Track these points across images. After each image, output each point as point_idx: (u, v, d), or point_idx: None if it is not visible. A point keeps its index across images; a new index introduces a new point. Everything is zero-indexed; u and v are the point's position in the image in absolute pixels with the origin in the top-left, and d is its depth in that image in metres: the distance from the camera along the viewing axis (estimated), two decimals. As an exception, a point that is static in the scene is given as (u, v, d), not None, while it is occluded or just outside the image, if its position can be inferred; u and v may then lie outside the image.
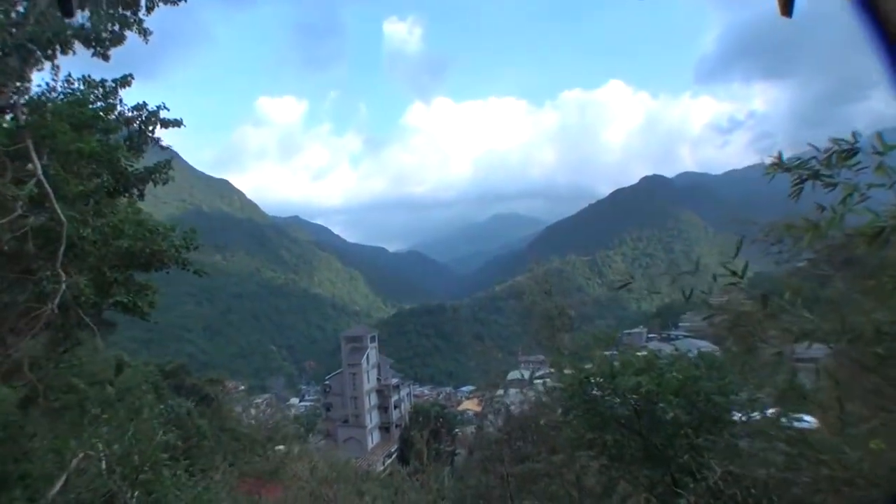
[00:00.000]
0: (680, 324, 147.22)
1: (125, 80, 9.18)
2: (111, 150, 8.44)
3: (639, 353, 6.67)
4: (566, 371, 10.88)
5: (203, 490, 8.63)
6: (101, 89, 8.91)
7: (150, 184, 10.20)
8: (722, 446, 5.67)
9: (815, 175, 3.83)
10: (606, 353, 7.55)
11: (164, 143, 10.23)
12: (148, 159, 10.21)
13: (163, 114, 9.67)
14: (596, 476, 9.10)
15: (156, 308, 9.73)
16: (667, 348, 6.93)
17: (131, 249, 7.85)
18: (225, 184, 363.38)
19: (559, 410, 9.25)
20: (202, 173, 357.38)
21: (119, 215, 8.12)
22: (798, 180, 3.91)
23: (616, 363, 6.32)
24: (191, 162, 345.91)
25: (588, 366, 6.95)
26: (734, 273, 4.34)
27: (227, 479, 11.19)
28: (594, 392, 6.73)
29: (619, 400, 6.25)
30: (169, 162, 10.10)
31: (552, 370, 11.23)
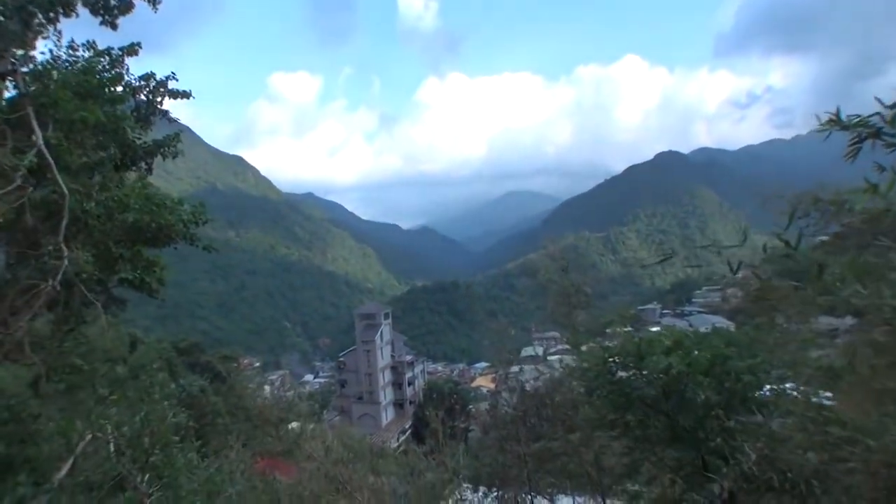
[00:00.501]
0: (693, 300, 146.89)
1: (132, 49, 8.81)
2: (117, 120, 8.13)
3: (666, 332, 6.38)
4: (586, 349, 10.65)
5: (215, 472, 8.46)
6: (107, 57, 8.57)
7: (160, 158, 9.90)
8: (753, 428, 5.38)
9: (877, 134, 3.46)
10: (629, 330, 7.26)
11: (173, 116, 9.87)
12: (157, 132, 9.90)
13: (171, 84, 9.32)
14: (617, 456, 8.89)
15: (165, 285, 9.47)
16: (680, 324, 6.65)
17: (137, 224, 7.57)
18: (239, 160, 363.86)
19: (580, 390, 9.02)
20: (216, 149, 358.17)
21: (125, 189, 7.83)
22: (857, 139, 3.54)
23: (641, 342, 6.02)
24: (204, 138, 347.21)
25: (611, 344, 6.67)
26: (787, 244, 3.98)
27: (242, 458, 11.03)
28: (619, 372, 6.47)
29: (645, 380, 5.96)
30: (178, 135, 9.77)
31: (570, 348, 10.97)
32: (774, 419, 5.47)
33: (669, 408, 6.02)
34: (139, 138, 9.17)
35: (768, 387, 5.96)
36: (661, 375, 5.57)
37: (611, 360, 6.49)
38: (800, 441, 4.97)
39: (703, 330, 7.49)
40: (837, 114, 3.56)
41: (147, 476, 6.53)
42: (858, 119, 3.50)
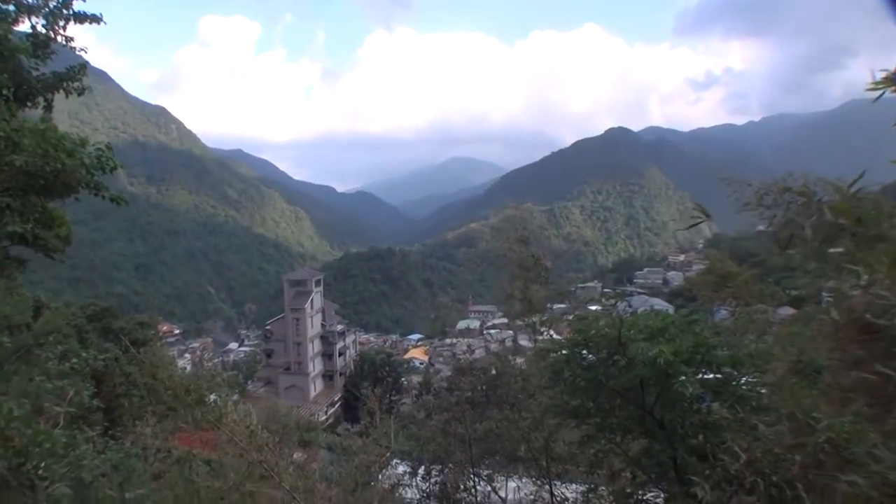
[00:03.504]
0: (635, 280, 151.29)
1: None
2: (5, 43, 7.08)
3: (650, 315, 6.08)
4: (554, 330, 10.36)
5: (125, 457, 7.77)
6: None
7: (63, 95, 8.82)
8: (736, 425, 5.12)
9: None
10: (602, 310, 6.95)
11: (79, 45, 8.71)
12: (60, 65, 8.76)
13: (76, 5, 8.17)
14: (572, 445, 8.68)
15: (71, 243, 8.53)
16: (619, 306, 6.44)
17: (28, 168, 6.57)
18: (162, 112, 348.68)
19: (534, 371, 8.75)
20: (137, 99, 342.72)
21: (14, 124, 6.76)
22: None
23: (622, 326, 5.68)
24: (124, 86, 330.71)
25: (583, 326, 6.32)
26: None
27: (160, 433, 10.32)
28: (590, 357, 6.14)
29: (624, 368, 5.63)
30: (83, 67, 8.68)
31: (527, 326, 10.70)
32: (755, 416, 5.21)
33: (648, 399, 5.73)
34: (36, 68, 8.09)
35: (744, 380, 5.75)
36: (644, 364, 5.23)
37: (585, 343, 6.12)
38: (788, 442, 4.72)
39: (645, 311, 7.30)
40: None
41: (42, 463, 5.85)
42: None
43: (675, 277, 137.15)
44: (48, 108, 8.41)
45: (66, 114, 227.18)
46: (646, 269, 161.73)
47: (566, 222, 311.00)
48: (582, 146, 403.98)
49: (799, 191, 4.09)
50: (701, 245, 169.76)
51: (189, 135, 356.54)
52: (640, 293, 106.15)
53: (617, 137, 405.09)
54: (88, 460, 7.11)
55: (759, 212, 4.82)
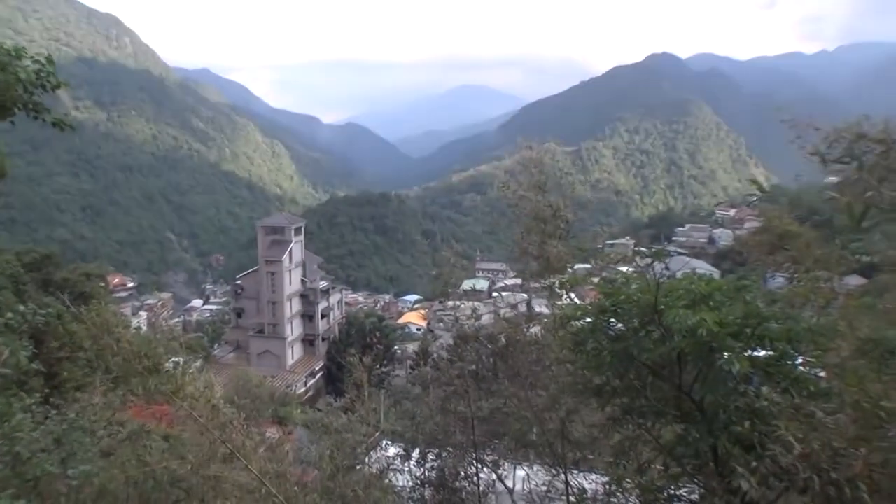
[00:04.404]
0: (675, 237, 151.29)
1: None
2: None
3: (692, 278, 6.03)
4: (569, 295, 10.36)
5: (68, 429, 7.88)
6: None
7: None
8: (791, 412, 5.13)
9: None
10: (631, 270, 6.91)
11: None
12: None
13: None
14: (593, 428, 8.77)
15: (3, 177, 8.47)
16: (656, 267, 6.37)
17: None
18: (114, 22, 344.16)
19: (558, 346, 8.76)
20: (82, 5, 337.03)
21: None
22: None
23: (658, 290, 5.64)
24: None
25: (611, 289, 6.29)
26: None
27: (110, 401, 10.50)
28: (618, 326, 6.13)
29: (659, 340, 5.62)
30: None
31: (548, 292, 10.69)
32: (813, 403, 5.23)
33: (685, 378, 5.74)
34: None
35: (801, 359, 5.75)
36: (683, 336, 5.21)
37: (614, 309, 6.11)
38: (851, 434, 4.74)
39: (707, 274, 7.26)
40: None
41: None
42: None
43: (723, 236, 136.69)
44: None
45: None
46: (688, 226, 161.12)
47: (595, 166, 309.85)
48: (617, 75, 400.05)
49: (877, 138, 4.02)
50: (755, 198, 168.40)
51: (146, 50, 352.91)
52: (680, 253, 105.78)
53: (660, 66, 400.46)
54: (25, 432, 7.23)
55: (827, 162, 4.78)
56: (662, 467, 6.55)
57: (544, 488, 10.28)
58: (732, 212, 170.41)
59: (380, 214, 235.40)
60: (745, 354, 5.27)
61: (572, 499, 8.98)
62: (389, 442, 12.48)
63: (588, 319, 6.56)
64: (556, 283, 10.07)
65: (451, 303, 13.10)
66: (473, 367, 11.52)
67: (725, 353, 5.15)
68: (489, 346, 11.78)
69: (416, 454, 11.53)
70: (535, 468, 11.07)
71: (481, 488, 10.91)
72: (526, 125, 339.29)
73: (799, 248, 7.24)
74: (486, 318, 13.99)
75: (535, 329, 11.57)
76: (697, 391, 5.71)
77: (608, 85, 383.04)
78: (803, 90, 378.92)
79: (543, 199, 10.76)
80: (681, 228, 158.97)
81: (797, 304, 6.77)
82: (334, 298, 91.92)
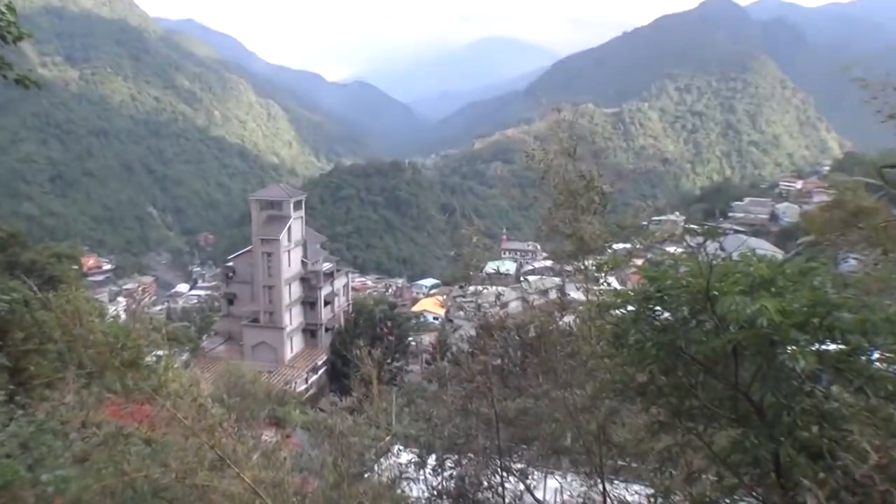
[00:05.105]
0: (731, 213, 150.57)
1: None
2: None
3: (749, 258, 5.96)
4: (607, 280, 10.32)
5: (36, 431, 7.99)
6: None
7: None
8: (865, 416, 5.10)
9: None
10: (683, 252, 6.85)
11: None
12: None
13: None
14: (637, 432, 8.75)
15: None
16: (709, 247, 6.27)
17: None
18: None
19: (596, 338, 8.73)
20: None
21: None
22: None
23: (710, 272, 5.59)
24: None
25: (658, 274, 6.25)
26: None
27: (84, 400, 10.63)
28: (665, 315, 6.09)
29: (711, 332, 5.58)
30: None
31: (583, 276, 10.65)
32: (892, 405, 5.18)
33: (742, 375, 5.71)
34: None
35: (878, 354, 5.69)
36: (741, 327, 5.17)
37: (660, 295, 6.07)
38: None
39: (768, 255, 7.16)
40: None
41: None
42: None
43: (788, 211, 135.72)
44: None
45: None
46: (747, 200, 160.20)
47: (639, 131, 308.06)
48: (665, 25, 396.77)
49: None
50: (826, 168, 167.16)
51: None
52: (737, 231, 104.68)
53: (716, 13, 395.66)
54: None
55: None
56: (715, 477, 6.54)
57: (580, 500, 10.31)
58: (799, 184, 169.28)
59: (391, 186, 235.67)
60: (813, 348, 5.21)
61: (611, 512, 9.00)
62: (402, 447, 12.54)
63: (630, 307, 6.53)
64: (593, 266, 10.03)
65: (472, 288, 13.06)
66: (498, 361, 11.52)
67: (789, 347, 5.09)
68: (517, 338, 11.77)
69: (432, 461, 11.56)
70: (568, 477, 11.10)
71: (507, 500, 10.94)
72: (559, 84, 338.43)
73: (876, 226, 7.16)
74: (514, 306, 13.99)
75: (569, 318, 11.56)
76: (756, 391, 5.67)
77: (655, 37, 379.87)
78: (884, 41, 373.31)
79: (574, 169, 10.71)
80: (738, 203, 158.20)
81: (873, 290, 6.70)
82: (339, 283, 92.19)
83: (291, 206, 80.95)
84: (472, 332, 13.06)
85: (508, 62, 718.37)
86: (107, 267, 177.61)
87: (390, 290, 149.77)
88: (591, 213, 10.60)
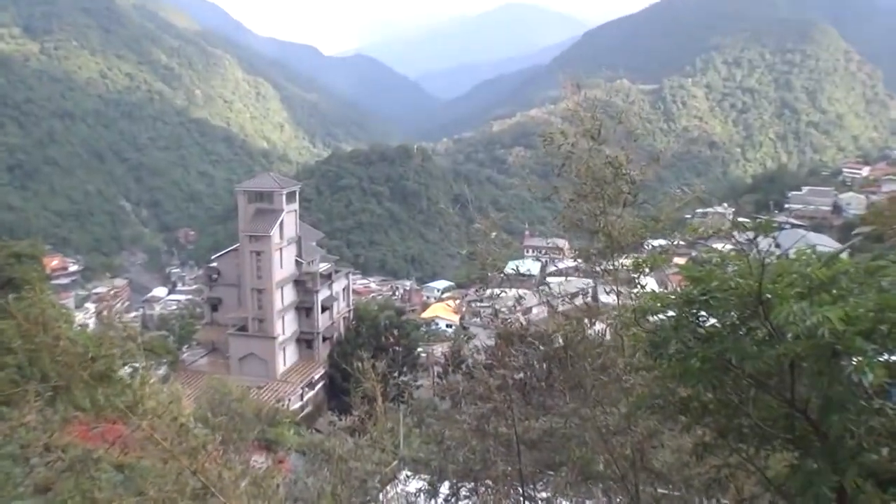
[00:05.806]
0: (788, 204, 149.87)
1: None
2: None
3: (806, 256, 5.94)
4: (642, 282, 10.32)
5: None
6: None
7: None
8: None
9: None
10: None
11: None
12: None
13: None
14: (685, 457, 8.75)
15: None
16: (761, 243, 6.21)
17: None
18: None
19: (631, 348, 8.73)
20: None
21: None
22: None
23: (762, 274, 5.57)
24: None
25: (702, 275, 6.23)
26: None
27: (48, 420, 10.68)
28: (711, 323, 6.09)
29: (763, 340, 5.57)
30: None
31: (613, 277, 10.65)
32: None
33: (800, 391, 5.70)
34: None
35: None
36: (798, 336, 5.16)
37: (705, 299, 6.06)
38: None
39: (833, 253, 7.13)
40: None
41: None
42: None
43: (853, 202, 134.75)
44: None
45: None
46: (806, 189, 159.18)
47: (682, 110, 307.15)
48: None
49: None
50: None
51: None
52: (794, 225, 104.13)
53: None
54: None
55: None
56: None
57: (613, 533, 10.32)
58: (865, 170, 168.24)
59: (397, 175, 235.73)
60: (881, 359, 5.19)
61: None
62: (410, 473, 12.57)
63: (670, 313, 6.52)
64: (626, 266, 10.02)
65: (490, 291, 13.07)
66: (520, 375, 11.52)
67: (854, 358, 5.07)
68: (541, 349, 11.76)
69: (444, 489, 11.58)
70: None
71: (530, 533, 10.96)
72: (590, 56, 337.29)
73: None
74: (537, 312, 13.99)
75: (601, 326, 11.55)
76: (816, 408, 5.67)
77: (700, 3, 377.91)
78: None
79: (601, 154, 10.68)
80: (796, 192, 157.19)
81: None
82: (339, 285, 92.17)
83: (284, 197, 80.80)
84: (490, 342, 13.06)
85: (532, 32, 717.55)
86: (73, 268, 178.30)
87: (397, 294, 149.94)
88: (621, 204, 10.58)
